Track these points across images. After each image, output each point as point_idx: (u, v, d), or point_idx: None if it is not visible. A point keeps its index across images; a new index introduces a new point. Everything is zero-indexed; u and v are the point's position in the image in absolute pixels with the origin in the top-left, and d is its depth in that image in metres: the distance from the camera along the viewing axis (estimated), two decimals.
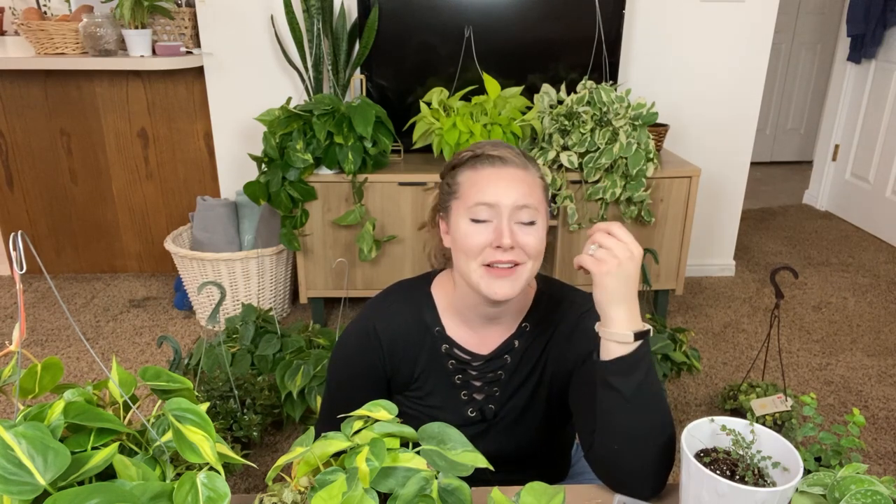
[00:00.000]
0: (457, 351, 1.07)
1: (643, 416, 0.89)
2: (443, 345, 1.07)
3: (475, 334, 1.08)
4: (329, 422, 0.93)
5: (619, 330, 0.87)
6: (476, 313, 1.05)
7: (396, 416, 0.75)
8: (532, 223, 0.97)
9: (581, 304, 1.08)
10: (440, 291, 1.09)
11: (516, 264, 0.96)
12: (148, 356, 2.52)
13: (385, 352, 1.07)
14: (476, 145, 1.03)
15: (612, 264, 0.86)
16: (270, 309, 2.43)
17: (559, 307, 1.08)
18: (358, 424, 0.74)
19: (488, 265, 0.96)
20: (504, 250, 0.94)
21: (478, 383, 1.09)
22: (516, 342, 1.07)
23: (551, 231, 2.59)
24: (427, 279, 1.12)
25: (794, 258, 3.50)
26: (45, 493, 0.59)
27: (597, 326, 0.90)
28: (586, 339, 0.98)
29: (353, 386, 1.09)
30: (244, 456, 1.88)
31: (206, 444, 0.66)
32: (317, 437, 0.84)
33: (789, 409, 1.92)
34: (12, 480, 0.58)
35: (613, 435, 0.90)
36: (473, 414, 1.08)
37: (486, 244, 0.95)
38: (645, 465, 0.89)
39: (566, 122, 2.41)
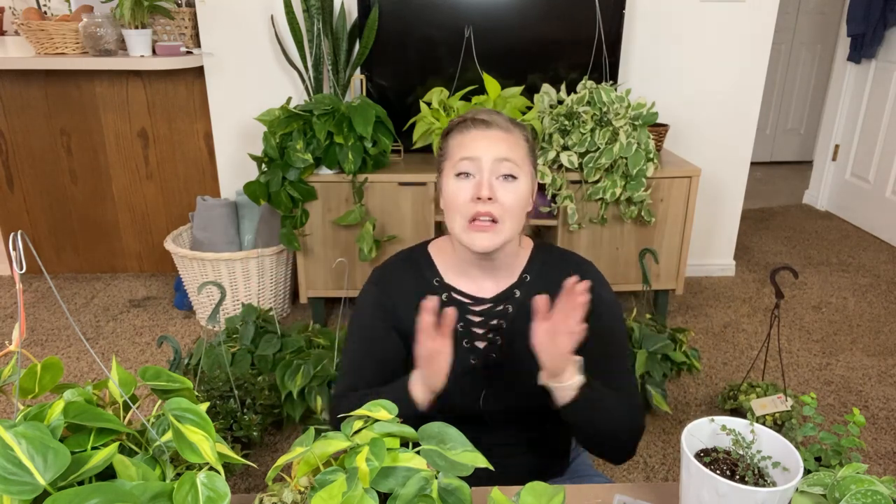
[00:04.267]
0: (456, 296, 1.12)
1: (598, 427, 1.03)
2: (443, 293, 1.12)
3: (474, 284, 1.12)
4: (353, 378, 1.09)
5: (570, 380, 0.97)
6: (473, 265, 1.11)
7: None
8: (513, 178, 1.03)
9: (581, 264, 1.15)
10: (438, 251, 1.15)
11: (494, 221, 1.02)
12: (148, 356, 2.52)
13: (393, 302, 1.11)
14: (467, 112, 1.10)
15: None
16: (270, 309, 2.43)
17: (558, 263, 1.14)
18: (358, 424, 0.74)
19: (471, 220, 1.02)
20: (483, 202, 1.00)
21: (480, 331, 1.12)
22: (517, 292, 1.12)
23: (551, 231, 2.60)
24: (423, 243, 1.18)
25: (794, 258, 3.50)
26: (45, 493, 0.59)
27: (548, 382, 0.98)
28: (598, 308, 1.07)
29: (373, 334, 1.12)
30: (244, 456, 1.88)
31: (206, 444, 0.66)
32: (338, 398, 0.99)
33: (789, 409, 1.92)
34: (12, 480, 0.58)
35: (580, 437, 1.10)
36: (475, 362, 1.11)
37: (468, 199, 1.02)
38: (612, 448, 1.09)
39: (566, 122, 2.41)
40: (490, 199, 1.01)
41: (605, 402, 1.02)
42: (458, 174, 1.03)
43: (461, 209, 1.03)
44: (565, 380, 0.97)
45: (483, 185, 1.00)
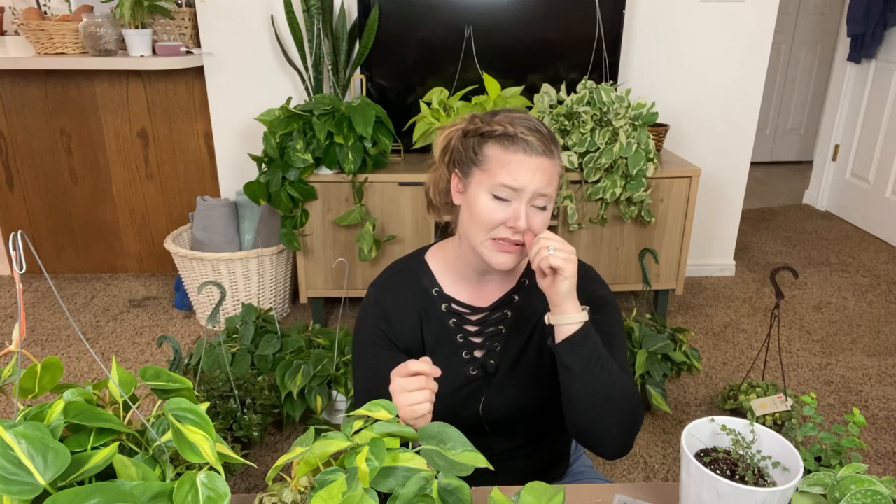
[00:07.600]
0: (455, 306, 1.12)
1: (597, 386, 0.98)
2: (442, 304, 1.11)
3: (473, 290, 1.12)
4: (367, 389, 1.07)
5: (573, 314, 0.98)
6: (473, 269, 1.10)
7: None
8: (544, 207, 1.04)
9: (579, 267, 1.13)
10: (435, 258, 1.15)
11: (520, 244, 1.03)
12: (148, 356, 2.52)
13: (391, 323, 1.10)
14: (509, 118, 1.04)
15: (574, 260, 0.97)
16: (270, 309, 2.43)
17: None
18: (358, 424, 0.74)
19: (497, 239, 1.02)
20: (516, 231, 1.01)
21: (478, 340, 1.12)
22: (516, 296, 1.12)
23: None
24: (420, 251, 1.18)
25: (794, 258, 3.50)
26: (45, 493, 0.59)
27: (549, 318, 0.99)
28: (596, 305, 1.07)
29: (376, 353, 1.11)
30: (244, 456, 1.88)
31: (206, 444, 0.66)
32: (358, 405, 0.88)
33: (789, 409, 1.92)
34: (12, 480, 0.58)
35: (575, 404, 1.00)
36: (475, 372, 1.11)
37: (501, 221, 1.02)
38: (608, 427, 1.00)
39: (566, 122, 2.41)
40: (524, 230, 1.01)
41: (604, 358, 0.99)
42: (495, 195, 1.01)
43: (490, 230, 1.02)
44: (569, 311, 0.97)
45: (520, 216, 1.00)
